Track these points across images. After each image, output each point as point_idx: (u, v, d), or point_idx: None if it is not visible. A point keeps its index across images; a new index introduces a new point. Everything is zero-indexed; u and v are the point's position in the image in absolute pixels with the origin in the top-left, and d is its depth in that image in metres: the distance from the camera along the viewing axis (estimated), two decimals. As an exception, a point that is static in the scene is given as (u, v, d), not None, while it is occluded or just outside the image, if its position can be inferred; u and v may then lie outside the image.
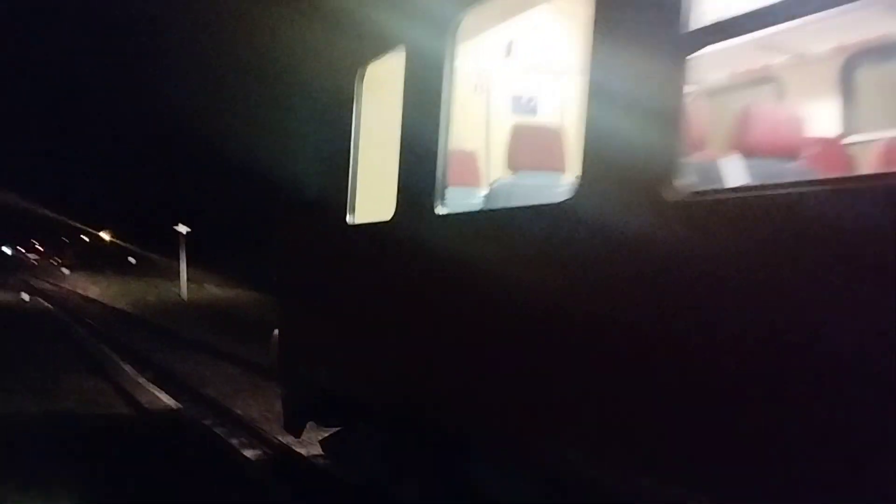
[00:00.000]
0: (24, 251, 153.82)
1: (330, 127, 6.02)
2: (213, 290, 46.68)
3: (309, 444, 8.29)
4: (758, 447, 2.63)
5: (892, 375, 2.25)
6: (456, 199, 4.52)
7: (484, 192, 4.80)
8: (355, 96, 5.65)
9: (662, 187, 2.90)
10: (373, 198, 5.41)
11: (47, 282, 71.02)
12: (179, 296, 44.63)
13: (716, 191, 3.04)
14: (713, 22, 2.80)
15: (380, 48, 5.34)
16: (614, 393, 3.23)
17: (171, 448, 8.05)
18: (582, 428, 3.45)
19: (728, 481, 2.77)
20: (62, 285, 64.29)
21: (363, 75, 5.61)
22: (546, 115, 6.48)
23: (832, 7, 3.13)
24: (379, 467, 5.91)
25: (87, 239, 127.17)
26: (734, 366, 2.72)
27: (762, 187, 2.87)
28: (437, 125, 4.45)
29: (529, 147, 4.36)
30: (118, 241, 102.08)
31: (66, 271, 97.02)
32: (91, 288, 58.41)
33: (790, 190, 2.58)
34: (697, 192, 2.87)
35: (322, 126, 6.21)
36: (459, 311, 4.42)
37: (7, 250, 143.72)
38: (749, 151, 3.75)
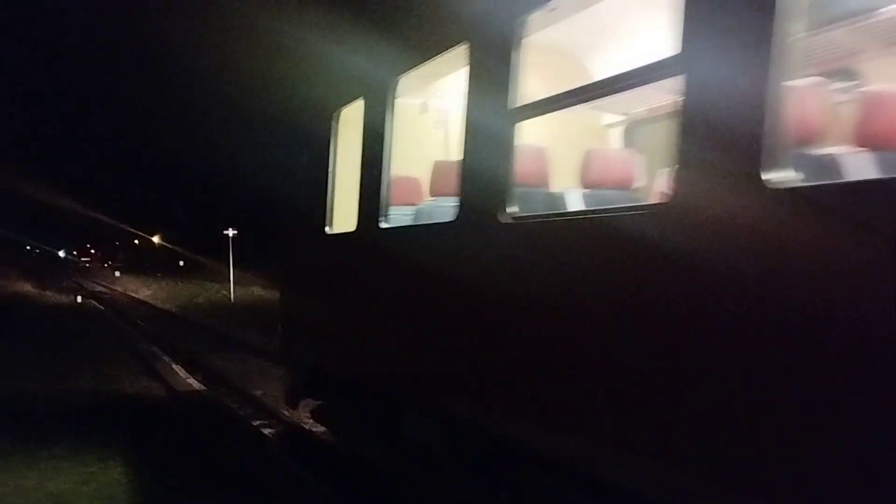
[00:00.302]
0: (77, 255, 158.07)
1: (316, 157, 7.43)
2: (259, 292, 47.05)
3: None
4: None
5: None
6: (397, 216, 5.91)
7: (412, 211, 6.15)
8: (332, 134, 7.07)
9: (498, 211, 4.26)
10: (344, 213, 6.81)
11: (99, 284, 72.32)
12: (227, 297, 45.03)
13: (534, 216, 4.37)
14: (523, 104, 4.18)
15: (348, 98, 6.75)
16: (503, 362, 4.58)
17: (201, 425, 9.55)
18: (473, 387, 4.82)
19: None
20: (113, 287, 64.97)
21: (338, 118, 7.03)
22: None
23: (612, 94, 4.07)
24: (352, 428, 7.41)
25: (138, 243, 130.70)
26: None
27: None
28: (383, 158, 5.86)
29: (444, 178, 5.68)
30: (168, 245, 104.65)
31: (117, 274, 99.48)
32: (141, 290, 59.29)
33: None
34: (518, 218, 4.22)
35: (310, 156, 7.63)
36: (397, 303, 5.82)
37: (62, 254, 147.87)
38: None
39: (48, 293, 48.62)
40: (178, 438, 8.73)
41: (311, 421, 9.03)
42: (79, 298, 40.37)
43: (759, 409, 2.82)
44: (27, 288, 55.85)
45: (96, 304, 38.94)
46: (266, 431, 10.36)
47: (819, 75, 5.04)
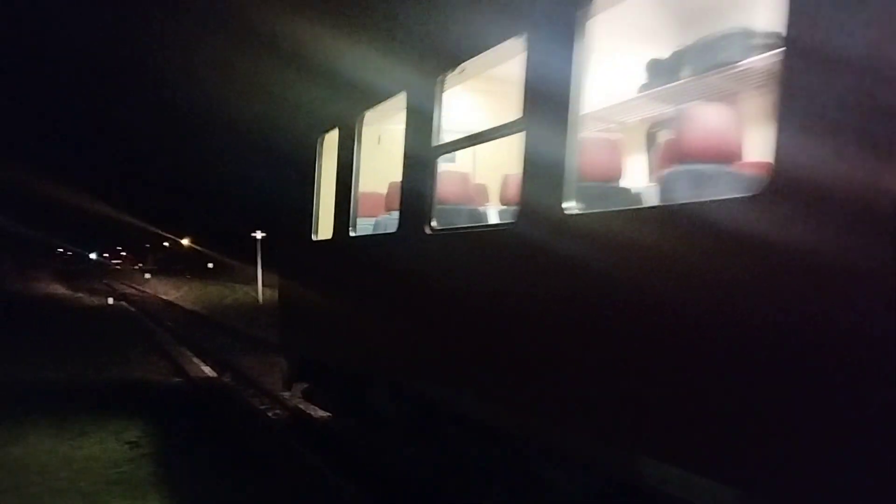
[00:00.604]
0: (108, 257, 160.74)
1: (305, 176, 8.76)
2: (287, 294, 47.07)
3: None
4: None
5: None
6: (362, 226, 7.22)
7: (373, 222, 7.44)
8: (317, 156, 8.38)
9: (425, 225, 5.53)
10: (326, 223, 8.13)
11: (129, 286, 72.95)
12: (255, 299, 45.74)
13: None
14: (440, 143, 5.47)
15: (328, 126, 8.08)
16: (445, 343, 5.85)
17: (219, 409, 10.99)
18: (416, 365, 6.08)
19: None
20: (144, 289, 65.30)
21: (321, 143, 8.35)
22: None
23: (483, 143, 5.42)
24: (332, 404, 8.85)
25: (167, 245, 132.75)
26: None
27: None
28: (353, 177, 7.17)
29: (392, 196, 6.97)
30: (197, 247, 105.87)
31: (147, 276, 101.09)
32: (171, 292, 60.44)
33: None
34: (436, 230, 5.48)
35: (301, 175, 8.96)
36: (361, 300, 7.14)
37: (93, 256, 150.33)
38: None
39: (80, 294, 50.28)
40: (201, 423, 10.03)
41: (307, 403, 10.42)
42: (110, 300, 41.48)
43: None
44: (60, 290, 57.75)
45: (127, 305, 40.23)
46: (272, 415, 11.73)
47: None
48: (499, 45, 4.93)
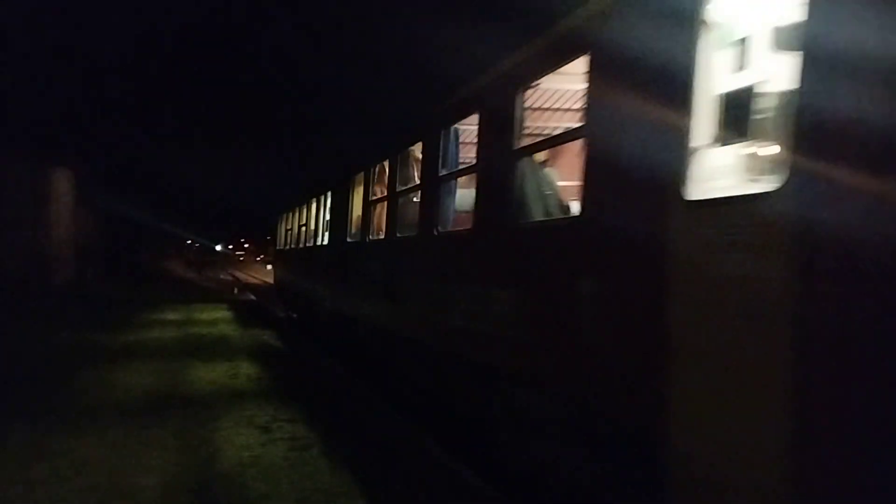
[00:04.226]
0: (232, 248, 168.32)
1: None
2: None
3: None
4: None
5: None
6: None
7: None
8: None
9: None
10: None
11: (252, 276, 77.49)
12: None
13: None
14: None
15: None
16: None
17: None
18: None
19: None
20: (265, 279, 69.30)
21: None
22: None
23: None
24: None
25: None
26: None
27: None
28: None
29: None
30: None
31: (268, 267, 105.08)
32: None
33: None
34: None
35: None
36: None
37: (218, 248, 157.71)
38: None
39: (209, 284, 54.27)
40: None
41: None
42: (235, 290, 44.45)
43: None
44: (190, 274, 62.85)
45: (252, 296, 43.22)
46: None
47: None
48: None
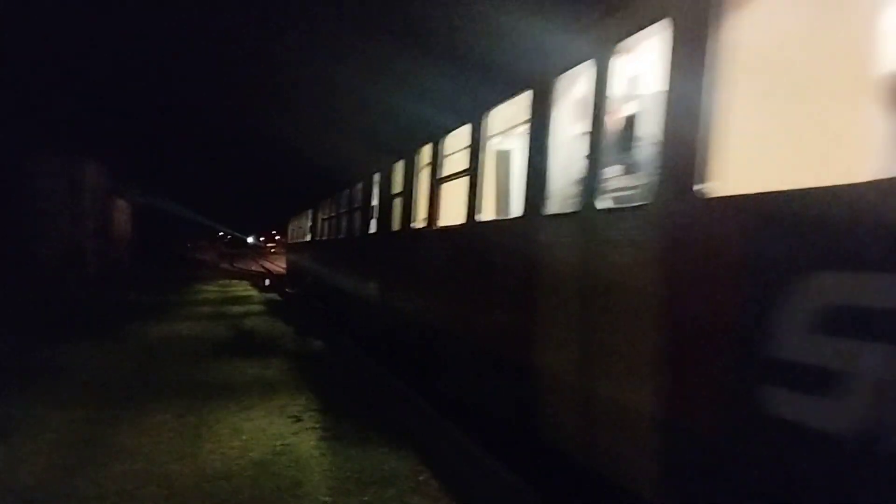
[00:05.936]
0: (264, 241, 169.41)
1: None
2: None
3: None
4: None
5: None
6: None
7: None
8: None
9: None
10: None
11: (280, 267, 78.20)
12: None
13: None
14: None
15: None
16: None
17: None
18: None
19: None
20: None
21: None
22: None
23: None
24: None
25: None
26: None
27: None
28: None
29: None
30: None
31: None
32: None
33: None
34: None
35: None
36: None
37: (250, 240, 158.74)
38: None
39: (242, 276, 54.59)
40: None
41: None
42: (266, 281, 44.39)
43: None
44: (224, 264, 64.49)
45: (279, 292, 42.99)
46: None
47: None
48: None
